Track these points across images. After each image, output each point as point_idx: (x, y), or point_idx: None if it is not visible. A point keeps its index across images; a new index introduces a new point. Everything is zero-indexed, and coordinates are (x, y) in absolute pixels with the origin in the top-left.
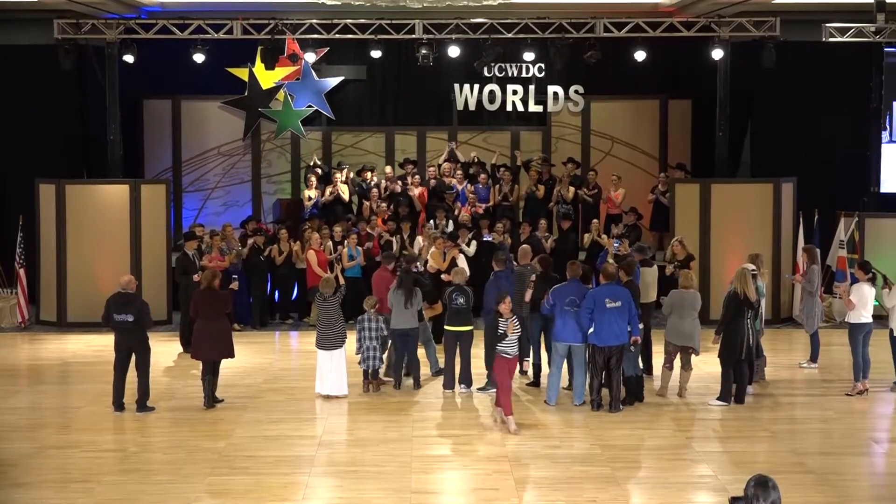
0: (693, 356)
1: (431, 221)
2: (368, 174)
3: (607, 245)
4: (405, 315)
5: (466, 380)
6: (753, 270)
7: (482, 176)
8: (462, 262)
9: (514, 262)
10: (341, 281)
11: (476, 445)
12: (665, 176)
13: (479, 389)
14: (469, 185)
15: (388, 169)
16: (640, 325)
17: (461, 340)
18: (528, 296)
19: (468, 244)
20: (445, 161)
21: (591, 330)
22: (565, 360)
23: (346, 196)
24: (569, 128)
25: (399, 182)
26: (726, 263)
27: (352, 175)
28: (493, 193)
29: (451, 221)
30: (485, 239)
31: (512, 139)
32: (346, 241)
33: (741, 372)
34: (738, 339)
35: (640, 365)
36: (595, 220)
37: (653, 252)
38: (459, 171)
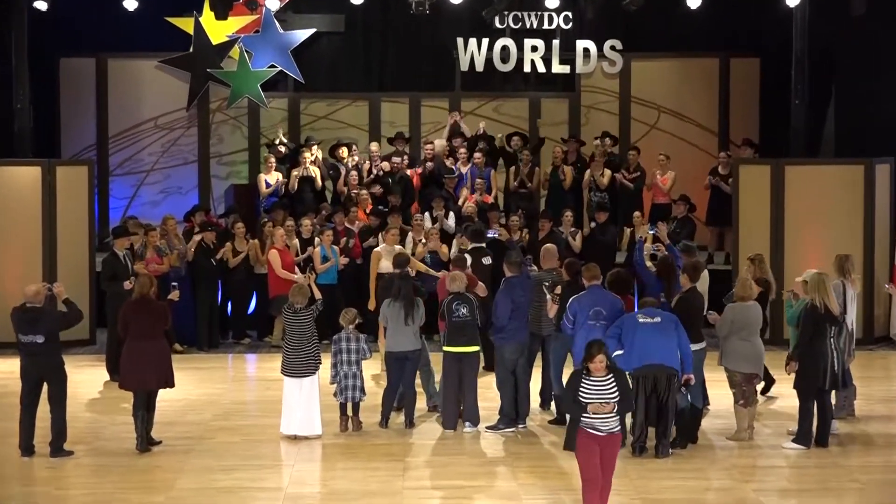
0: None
1: (426, 213)
2: (346, 152)
3: (639, 230)
4: (404, 334)
5: (472, 416)
6: (842, 278)
7: (477, 154)
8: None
9: (531, 266)
10: (316, 292)
11: (483, 501)
12: (726, 155)
13: (488, 428)
14: (477, 167)
15: (374, 146)
16: (701, 344)
17: (465, 365)
18: (552, 309)
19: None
20: (447, 138)
21: (619, 352)
22: None
23: (318, 181)
24: (603, 94)
25: (387, 162)
26: (804, 267)
27: (324, 154)
28: (493, 181)
29: (451, 213)
30: (489, 235)
31: (531, 109)
32: (317, 239)
33: (824, 406)
34: (819, 365)
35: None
36: (637, 213)
37: (707, 253)
38: (463, 150)
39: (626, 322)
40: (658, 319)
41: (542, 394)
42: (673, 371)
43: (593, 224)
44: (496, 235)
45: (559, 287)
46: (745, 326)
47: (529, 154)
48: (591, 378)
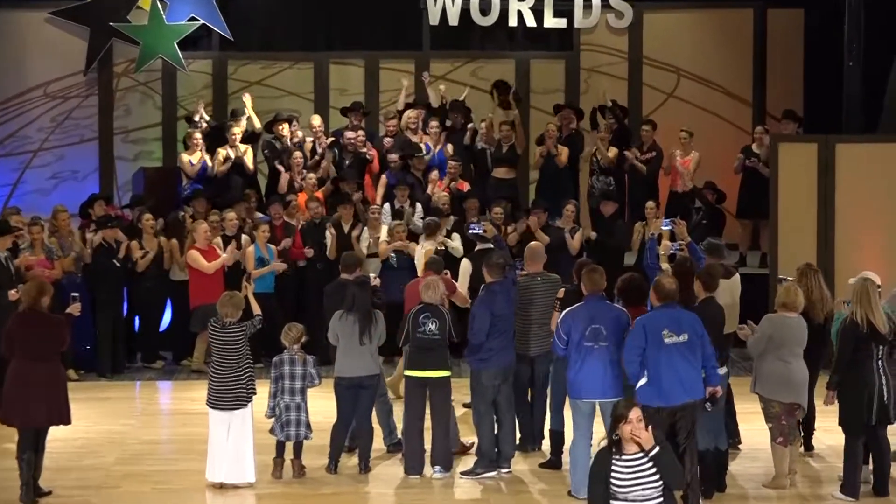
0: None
1: (386, 205)
2: (286, 128)
3: (652, 226)
4: (359, 355)
5: (442, 458)
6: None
7: (433, 124)
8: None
9: (520, 269)
10: (255, 306)
11: None
12: (763, 131)
13: (462, 474)
14: (450, 147)
15: (316, 120)
16: (723, 370)
17: (434, 393)
18: (553, 323)
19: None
20: (409, 106)
21: (643, 382)
22: (593, 424)
23: (249, 163)
24: (609, 54)
25: (339, 138)
26: (858, 270)
27: (260, 129)
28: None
29: (418, 204)
30: (472, 231)
31: (518, 72)
32: (245, 237)
33: (878, 445)
34: (862, 396)
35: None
36: (651, 203)
37: (739, 253)
38: (435, 123)
39: (651, 337)
40: (685, 338)
41: (523, 429)
42: (698, 404)
43: (594, 235)
44: (480, 232)
45: (562, 291)
46: (786, 343)
47: (508, 127)
48: (624, 458)
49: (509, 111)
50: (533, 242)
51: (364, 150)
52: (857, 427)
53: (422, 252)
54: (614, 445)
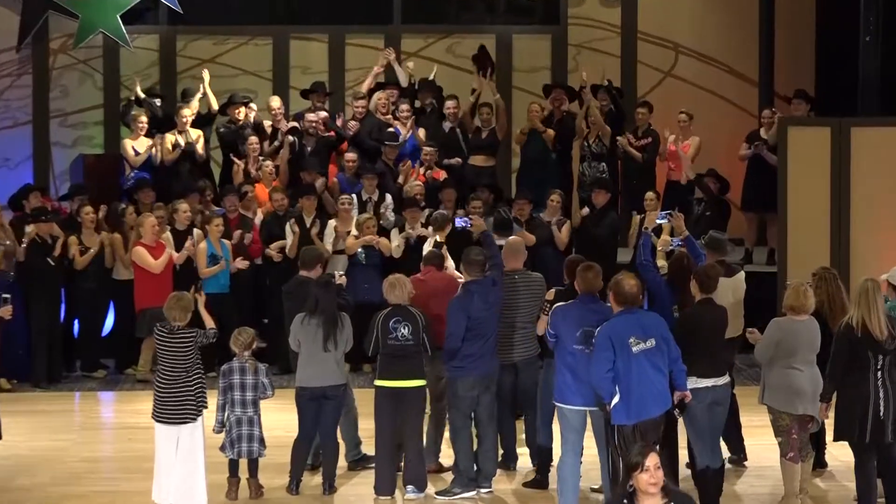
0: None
1: (353, 196)
2: (242, 111)
3: (648, 221)
4: (322, 363)
5: (416, 477)
6: None
7: (403, 107)
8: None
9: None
10: (207, 320)
11: None
12: (771, 113)
13: (438, 494)
14: (420, 131)
15: (275, 101)
16: (725, 378)
17: (405, 405)
18: (541, 327)
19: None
20: (377, 85)
21: (616, 399)
22: (583, 438)
23: (200, 150)
24: (600, 28)
25: (299, 122)
26: (878, 264)
27: (216, 111)
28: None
29: (388, 195)
30: (458, 224)
31: (499, 47)
32: (197, 231)
33: (890, 465)
34: (854, 410)
35: (723, 447)
36: (651, 193)
37: (745, 249)
38: (406, 107)
39: (619, 348)
40: (652, 343)
41: (504, 443)
42: (665, 418)
43: (586, 210)
44: (467, 226)
45: (552, 292)
46: (796, 350)
47: (488, 110)
48: None
49: (484, 84)
50: (512, 238)
51: (328, 134)
52: (860, 445)
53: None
54: (627, 498)
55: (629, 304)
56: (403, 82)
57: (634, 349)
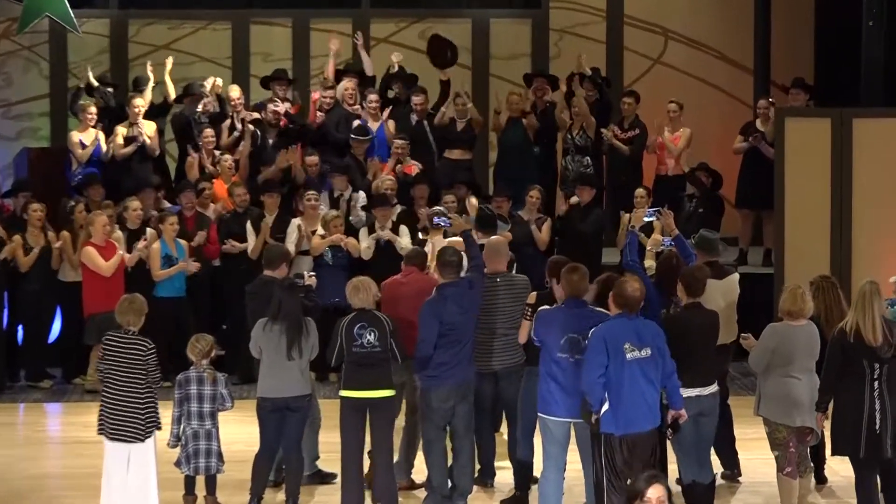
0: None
1: (324, 194)
2: (203, 102)
3: (635, 219)
4: (285, 373)
5: (385, 494)
6: None
7: (372, 97)
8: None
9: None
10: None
11: None
12: (768, 104)
13: None
14: (391, 123)
15: (234, 91)
16: (712, 388)
17: (375, 416)
18: (523, 334)
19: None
20: (341, 73)
21: (605, 407)
22: (566, 453)
23: (154, 143)
24: (584, 12)
25: (261, 113)
26: (882, 265)
27: (171, 99)
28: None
29: (361, 193)
30: (436, 223)
31: (475, 33)
32: (150, 231)
33: (891, 481)
34: (846, 421)
35: (710, 460)
36: (641, 190)
37: (739, 249)
38: (375, 97)
39: (612, 352)
40: (647, 353)
41: (482, 457)
42: (658, 434)
43: (574, 199)
44: (446, 225)
45: (533, 295)
46: (793, 357)
47: (462, 101)
48: None
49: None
50: (494, 238)
51: (291, 125)
52: (856, 459)
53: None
54: None
55: (629, 309)
56: (369, 70)
57: (628, 356)
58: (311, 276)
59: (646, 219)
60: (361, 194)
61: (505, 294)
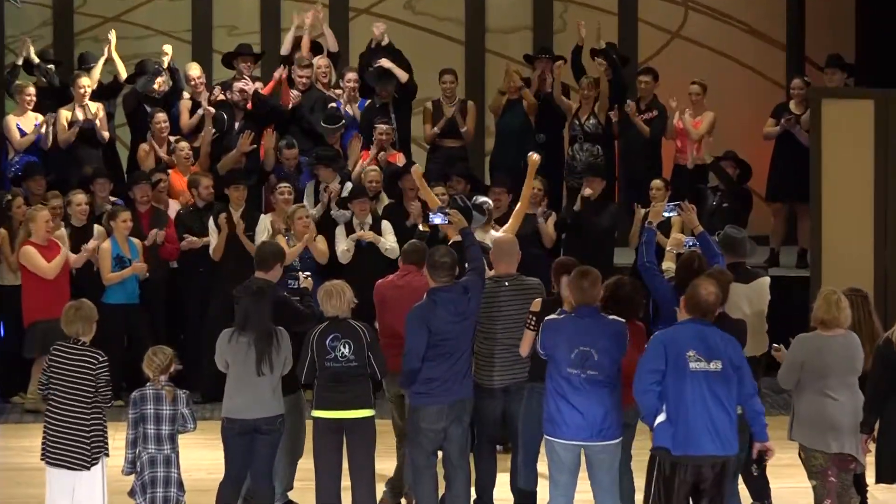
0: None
1: (309, 184)
2: (158, 82)
3: (652, 214)
4: (254, 390)
5: None
6: None
7: (350, 76)
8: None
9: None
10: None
11: None
12: (802, 84)
13: None
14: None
15: (194, 69)
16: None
17: (352, 439)
18: (525, 346)
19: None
20: (297, 49)
21: (661, 418)
22: (577, 481)
23: (103, 129)
24: None
25: (227, 94)
26: None
27: (122, 79)
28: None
29: (349, 183)
30: (434, 221)
31: (468, 3)
32: (98, 228)
33: None
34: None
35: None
36: (658, 181)
37: (770, 249)
38: (353, 76)
39: (672, 360)
40: (718, 366)
41: (479, 483)
42: (729, 459)
43: (588, 191)
44: (444, 222)
45: (537, 302)
46: (828, 373)
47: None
48: None
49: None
50: (502, 236)
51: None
52: None
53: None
54: None
55: (701, 315)
56: (332, 47)
57: (692, 366)
58: (306, 278)
59: (665, 214)
60: (348, 185)
61: (514, 300)
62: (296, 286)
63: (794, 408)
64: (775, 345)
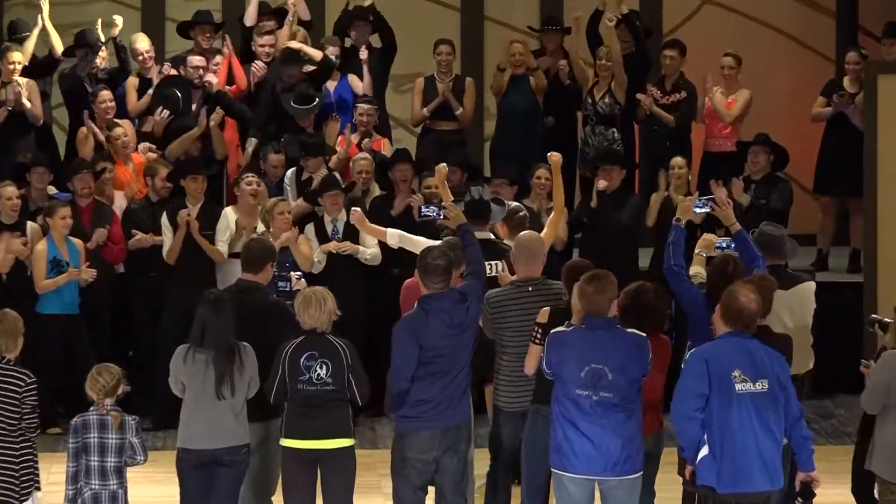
0: None
1: (290, 171)
2: (100, 58)
3: (681, 210)
4: (214, 415)
5: None
6: None
7: (331, 48)
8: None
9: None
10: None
11: None
12: (857, 58)
13: None
14: (354, 80)
15: (141, 41)
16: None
17: (327, 472)
18: (530, 363)
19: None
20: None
21: (704, 452)
22: None
23: (36, 110)
24: None
25: (180, 70)
26: None
27: (58, 53)
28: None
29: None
30: (425, 213)
31: None
32: (31, 225)
33: None
34: None
35: None
36: (679, 159)
37: (818, 250)
38: (334, 48)
39: (717, 382)
40: (764, 386)
41: None
42: (774, 493)
43: (602, 184)
44: (438, 217)
45: (545, 312)
46: None
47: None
48: None
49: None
50: (525, 233)
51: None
52: None
53: None
54: None
55: (742, 327)
56: (304, 15)
57: (738, 387)
58: (298, 279)
59: (697, 210)
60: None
61: (532, 308)
62: (287, 289)
63: (876, 435)
64: (865, 361)
